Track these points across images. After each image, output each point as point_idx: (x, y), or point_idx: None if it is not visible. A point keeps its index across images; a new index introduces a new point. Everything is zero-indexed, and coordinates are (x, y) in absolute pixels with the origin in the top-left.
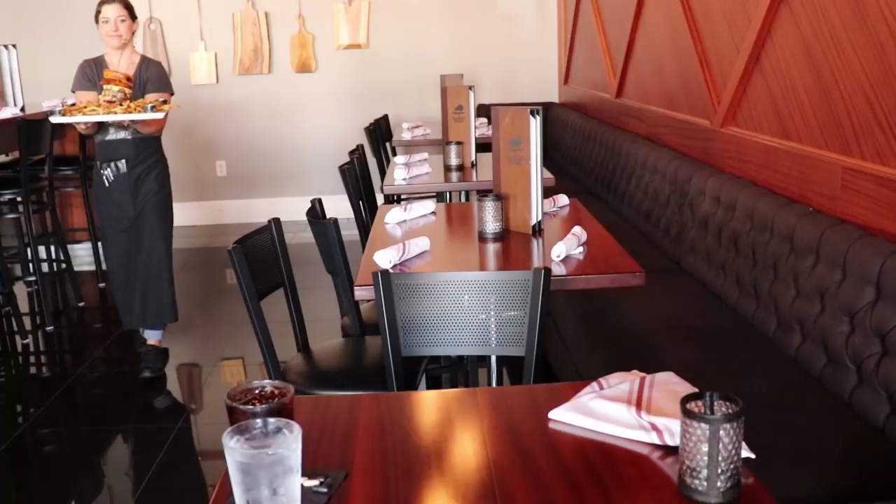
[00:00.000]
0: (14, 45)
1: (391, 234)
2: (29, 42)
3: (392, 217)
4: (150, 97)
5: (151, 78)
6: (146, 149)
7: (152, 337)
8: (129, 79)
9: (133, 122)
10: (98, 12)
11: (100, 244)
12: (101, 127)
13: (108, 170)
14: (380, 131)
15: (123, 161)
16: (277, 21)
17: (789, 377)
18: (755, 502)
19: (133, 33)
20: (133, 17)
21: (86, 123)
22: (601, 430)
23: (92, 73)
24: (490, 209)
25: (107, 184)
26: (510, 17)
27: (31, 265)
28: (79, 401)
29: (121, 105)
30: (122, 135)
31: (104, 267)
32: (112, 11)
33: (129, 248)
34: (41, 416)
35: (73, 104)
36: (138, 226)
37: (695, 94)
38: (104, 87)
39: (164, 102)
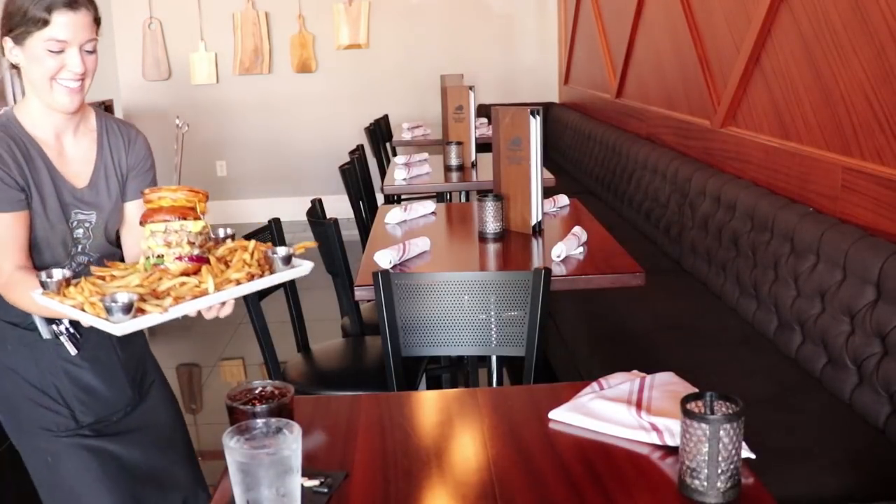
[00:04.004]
0: None
1: (391, 234)
2: None
3: (392, 217)
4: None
5: (138, 164)
6: None
7: None
8: (206, 196)
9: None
10: (38, 21)
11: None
12: (38, 248)
13: (62, 324)
14: (380, 131)
15: None
16: (277, 21)
17: (789, 377)
18: (755, 502)
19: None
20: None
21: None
22: (601, 430)
23: (20, 170)
24: (490, 209)
25: (72, 351)
26: (510, 17)
27: None
28: None
29: (222, 262)
30: (80, 260)
31: None
32: (75, 26)
33: (124, 464)
34: None
35: (99, 278)
36: (137, 425)
37: (695, 94)
38: (151, 225)
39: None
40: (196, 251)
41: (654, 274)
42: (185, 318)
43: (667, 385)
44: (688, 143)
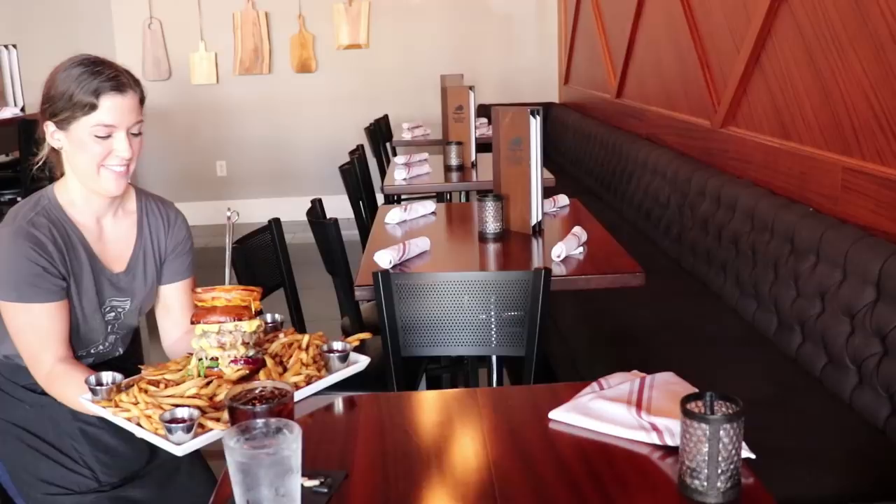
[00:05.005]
0: (14, 45)
1: (391, 234)
2: (29, 42)
3: (392, 217)
4: (186, 288)
5: (178, 247)
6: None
7: None
8: (261, 293)
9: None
10: (85, 106)
11: None
12: (78, 336)
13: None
14: (380, 131)
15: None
16: (277, 21)
17: (789, 377)
18: (755, 502)
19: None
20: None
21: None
22: (601, 430)
23: (62, 258)
24: (490, 209)
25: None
26: (510, 17)
27: None
28: None
29: (280, 364)
30: (110, 340)
31: None
32: (122, 109)
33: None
34: None
35: (159, 384)
36: (154, 468)
37: (695, 94)
38: (204, 325)
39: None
40: (251, 352)
41: (654, 274)
42: None
43: (667, 385)
44: (688, 143)
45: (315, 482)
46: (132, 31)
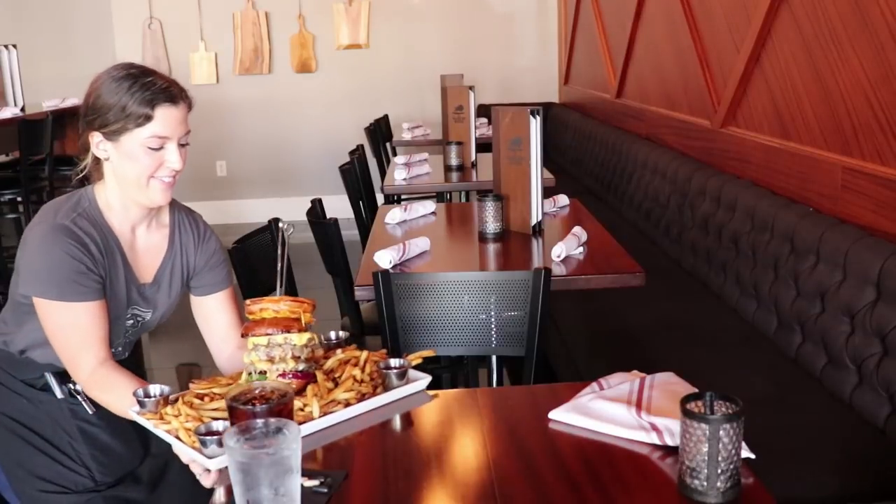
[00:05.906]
0: (14, 45)
1: (391, 234)
2: (29, 42)
3: (392, 217)
4: (225, 300)
5: (209, 261)
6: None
7: None
8: (313, 306)
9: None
10: (140, 117)
11: None
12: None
13: (78, 384)
14: (380, 131)
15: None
16: (277, 21)
17: (789, 377)
18: (755, 502)
19: None
20: None
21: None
22: (601, 430)
23: (102, 261)
24: (490, 209)
25: (89, 410)
26: (510, 17)
27: None
28: None
29: (330, 378)
30: (122, 345)
31: None
32: (175, 120)
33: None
34: None
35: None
36: (147, 469)
37: (695, 94)
38: (254, 338)
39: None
40: (301, 366)
41: (654, 274)
42: (185, 317)
43: (667, 385)
44: (688, 143)
45: (315, 482)
46: (132, 31)
